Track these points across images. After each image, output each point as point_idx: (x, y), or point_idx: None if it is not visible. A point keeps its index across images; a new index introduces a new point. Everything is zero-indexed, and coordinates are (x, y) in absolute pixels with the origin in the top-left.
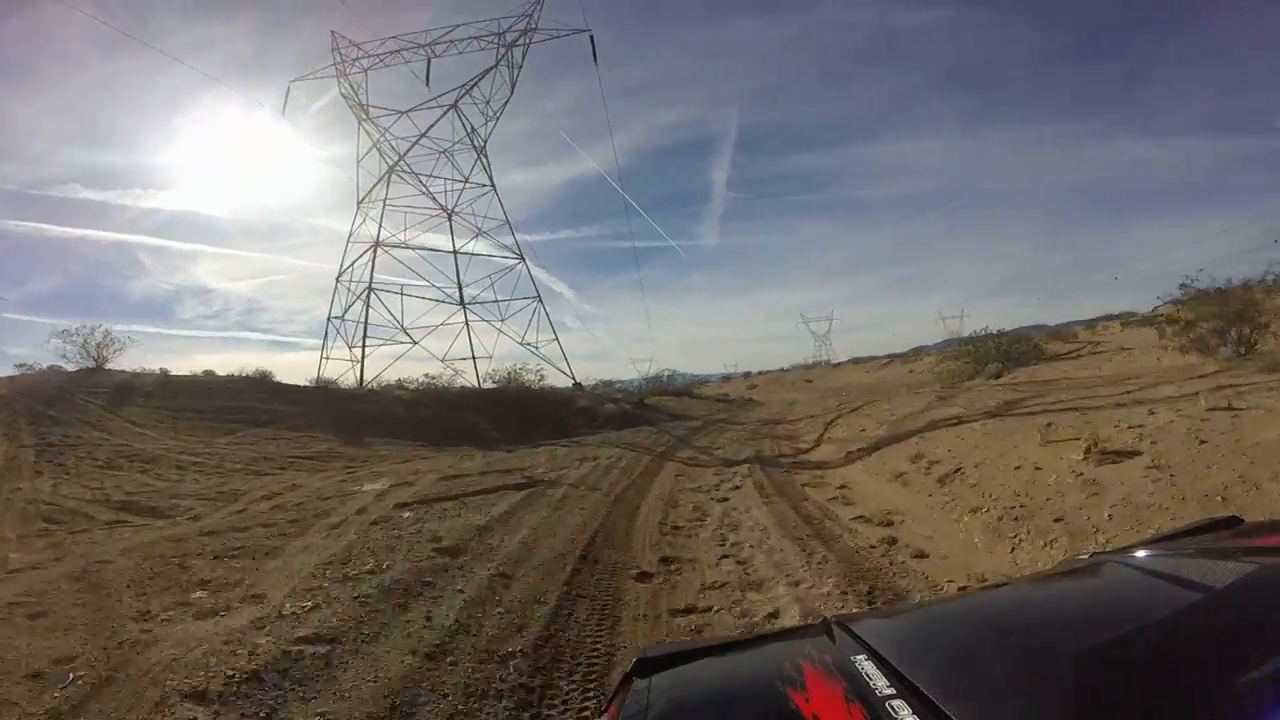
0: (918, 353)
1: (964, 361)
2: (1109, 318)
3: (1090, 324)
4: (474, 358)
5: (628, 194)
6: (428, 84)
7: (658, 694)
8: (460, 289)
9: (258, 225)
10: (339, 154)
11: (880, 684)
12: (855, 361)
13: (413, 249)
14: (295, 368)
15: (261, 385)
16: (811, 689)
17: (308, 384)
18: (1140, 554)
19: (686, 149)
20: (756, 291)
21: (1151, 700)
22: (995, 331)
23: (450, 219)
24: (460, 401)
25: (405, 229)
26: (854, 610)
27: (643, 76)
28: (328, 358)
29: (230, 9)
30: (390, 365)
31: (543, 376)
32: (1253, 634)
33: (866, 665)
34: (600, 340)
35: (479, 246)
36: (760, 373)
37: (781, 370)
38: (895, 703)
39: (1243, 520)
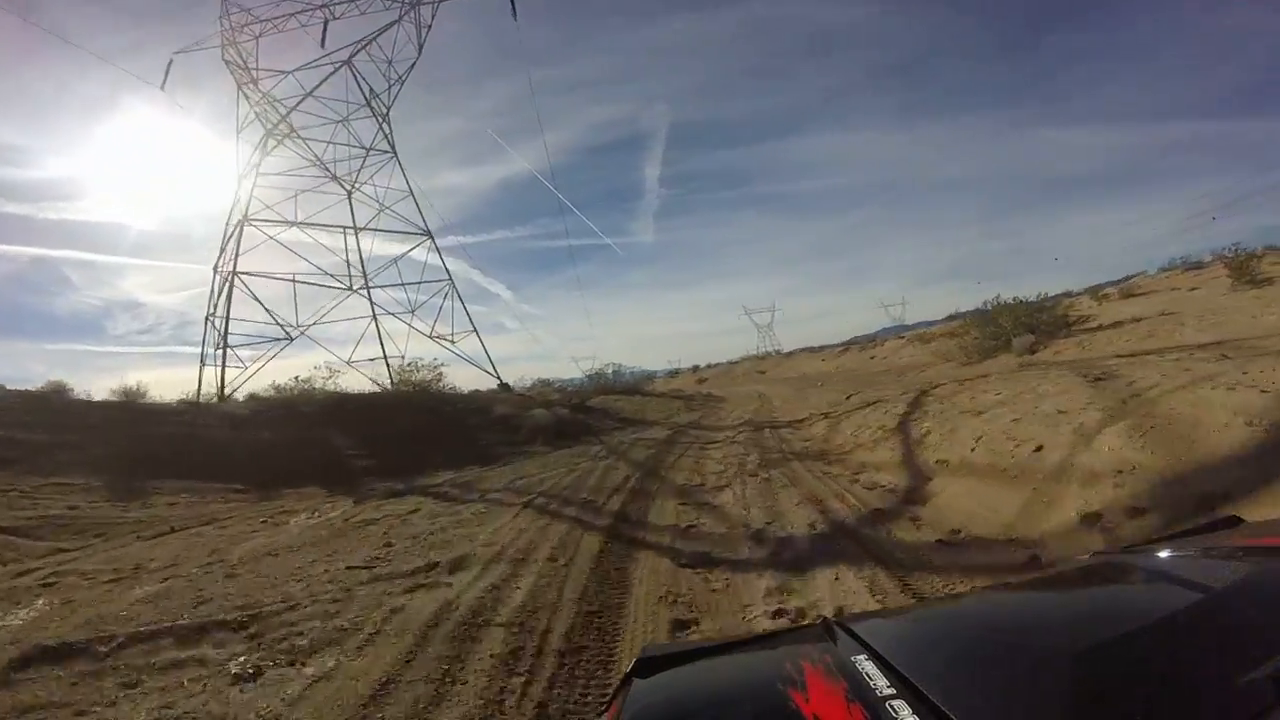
0: (874, 339)
1: (974, 337)
2: (1068, 295)
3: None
4: (385, 358)
5: (561, 192)
6: (323, 46)
7: (658, 694)
8: (364, 276)
9: (187, 235)
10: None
11: (880, 684)
12: (809, 350)
13: (297, 226)
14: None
15: (41, 404)
16: (812, 689)
17: (112, 399)
18: (1140, 554)
19: (619, 146)
20: (695, 286)
21: (1151, 700)
22: (1013, 300)
23: (350, 197)
24: (323, 416)
25: (295, 197)
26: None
27: (575, 74)
28: (205, 365)
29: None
30: (257, 371)
31: (440, 375)
32: (1253, 634)
33: (867, 665)
34: (542, 341)
35: (383, 226)
36: (708, 366)
37: (730, 362)
38: (895, 703)
39: (1243, 520)
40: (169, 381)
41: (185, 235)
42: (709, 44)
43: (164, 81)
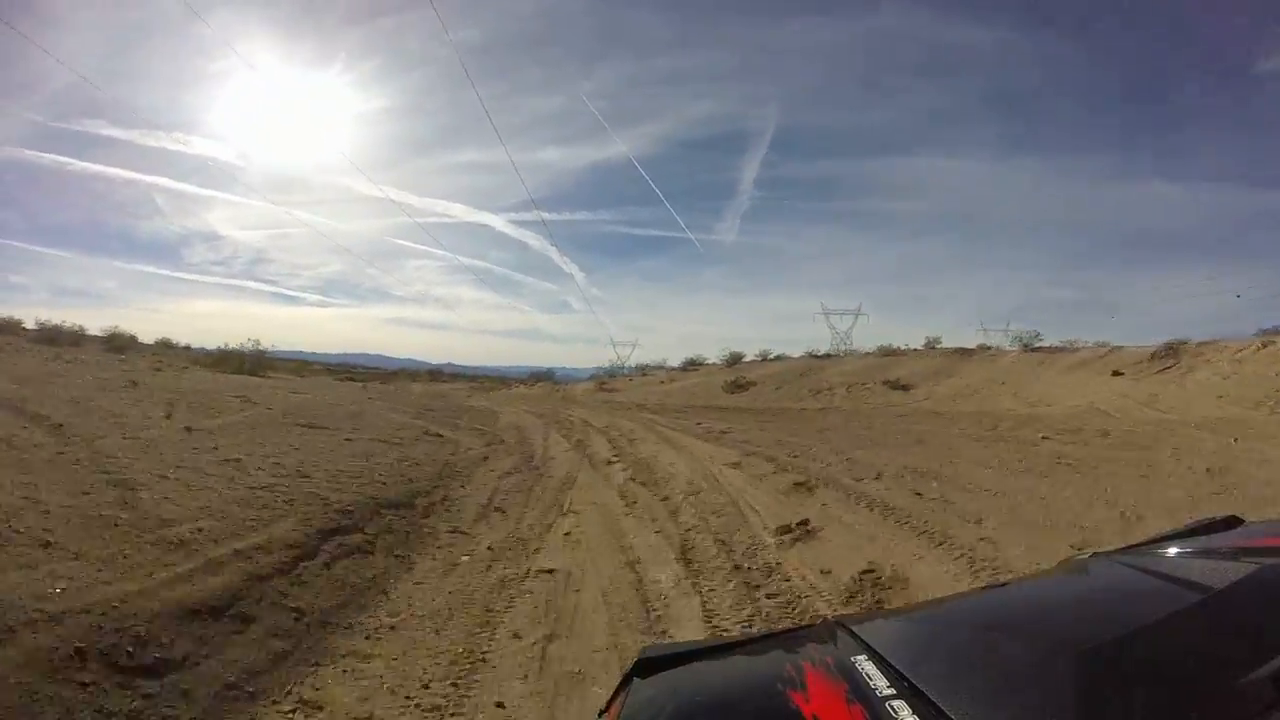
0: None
1: None
2: None
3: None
4: None
5: (653, 182)
6: None
7: (658, 694)
8: None
9: (277, 177)
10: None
11: (881, 685)
12: (1034, 351)
13: None
14: (291, 323)
15: None
16: (812, 690)
17: None
18: (1140, 554)
19: (719, 143)
20: (766, 294)
21: (1152, 700)
22: None
23: None
24: None
25: None
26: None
27: (685, 65)
28: None
29: None
30: None
31: None
32: (1253, 634)
33: (867, 666)
34: (605, 325)
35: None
36: (771, 357)
37: (813, 355)
38: (896, 703)
39: (1243, 520)
40: (234, 314)
41: (271, 176)
42: (827, 50)
43: None
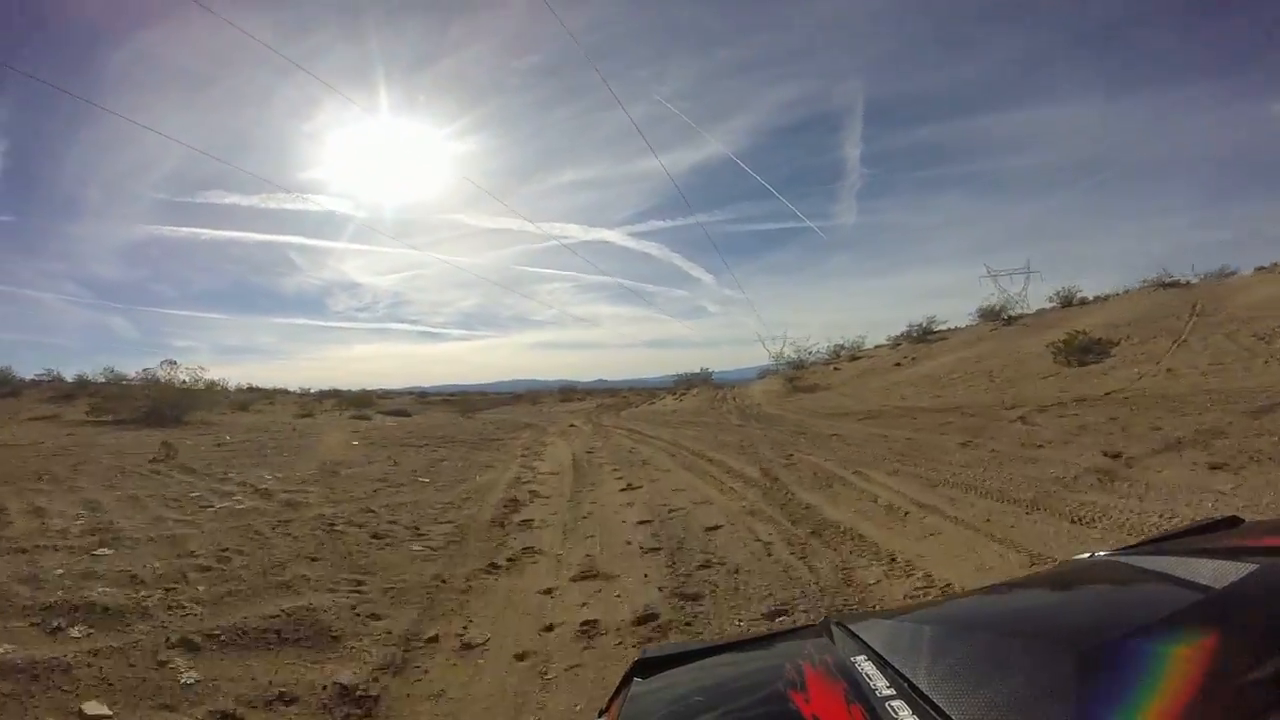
0: None
1: None
2: None
3: None
4: None
5: (758, 175)
6: None
7: (658, 694)
8: None
9: (397, 222)
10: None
11: (880, 685)
12: None
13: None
14: (441, 358)
15: None
16: (812, 690)
17: None
18: (1140, 554)
19: (812, 125)
20: (903, 271)
21: (1151, 700)
22: None
23: None
24: None
25: None
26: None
27: (752, 53)
28: None
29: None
30: None
31: None
32: (1253, 634)
33: (867, 666)
34: (745, 325)
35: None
36: (1076, 299)
37: (1161, 285)
38: (895, 703)
39: (1243, 520)
40: (388, 354)
41: (392, 222)
42: (890, 11)
43: None
